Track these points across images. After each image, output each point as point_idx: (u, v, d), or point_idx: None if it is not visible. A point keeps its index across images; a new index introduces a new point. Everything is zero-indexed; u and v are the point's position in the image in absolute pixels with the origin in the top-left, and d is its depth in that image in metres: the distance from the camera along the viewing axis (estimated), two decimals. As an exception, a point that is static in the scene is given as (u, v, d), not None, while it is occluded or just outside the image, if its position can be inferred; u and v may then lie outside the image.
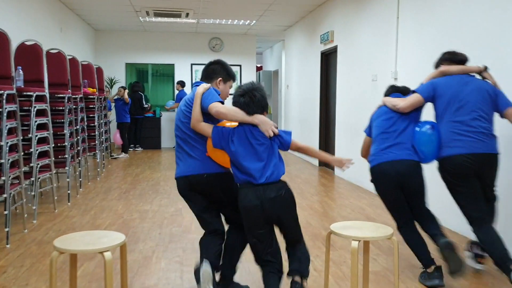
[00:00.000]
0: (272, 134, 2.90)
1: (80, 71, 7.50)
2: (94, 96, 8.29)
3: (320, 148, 9.84)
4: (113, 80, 13.40)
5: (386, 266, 3.97)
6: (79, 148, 7.14)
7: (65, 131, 6.27)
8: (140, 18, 11.40)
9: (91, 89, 8.39)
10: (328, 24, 9.22)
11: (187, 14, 10.91)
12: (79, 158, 7.19)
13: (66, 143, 6.27)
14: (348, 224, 3.16)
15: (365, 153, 4.04)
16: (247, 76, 14.35)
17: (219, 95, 3.11)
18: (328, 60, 9.59)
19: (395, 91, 3.98)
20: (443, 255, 3.43)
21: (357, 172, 7.68)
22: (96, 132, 8.29)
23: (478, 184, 3.54)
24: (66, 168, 6.31)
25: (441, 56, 3.85)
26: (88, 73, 8.55)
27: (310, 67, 10.57)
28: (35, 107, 5.32)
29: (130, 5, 10.01)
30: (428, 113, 3.86)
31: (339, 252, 4.32)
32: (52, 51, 6.66)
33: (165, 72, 14.28)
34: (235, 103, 3.00)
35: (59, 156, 6.31)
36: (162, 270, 3.86)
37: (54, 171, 5.93)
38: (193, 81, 13.94)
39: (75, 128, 6.80)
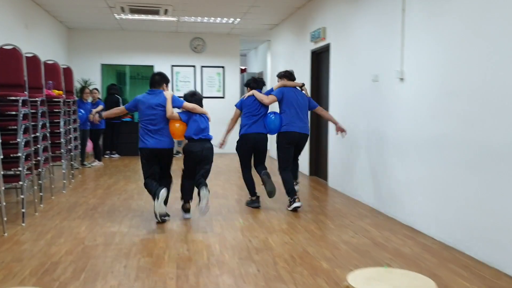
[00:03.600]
0: (210, 119, 5.66)
1: (42, 71, 6.58)
2: (59, 99, 7.37)
3: (311, 154, 9.05)
4: (88, 82, 12.45)
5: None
6: (39, 158, 6.23)
7: (18, 140, 5.35)
8: (115, 15, 10.49)
9: (57, 91, 7.48)
10: (320, 20, 8.42)
11: (166, 11, 10.04)
12: (39, 170, 6.28)
13: (20, 154, 5.35)
14: (371, 273, 2.32)
15: (234, 122, 6.44)
16: (231, 78, 13.53)
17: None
18: (319, 59, 8.79)
19: (255, 82, 6.44)
20: (262, 180, 6.08)
21: (353, 184, 6.90)
22: (62, 140, 7.36)
23: (293, 150, 6.23)
24: (20, 182, 5.40)
25: (282, 73, 6.46)
26: (54, 73, 7.61)
27: (298, 68, 9.73)
28: (-24, 112, 4.43)
29: (103, 0, 9.11)
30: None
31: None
32: (6, 47, 5.76)
33: (144, 74, 13.39)
34: (188, 100, 5.54)
35: (12, 169, 5.42)
36: (121, 324, 2.99)
37: (3, 187, 5.03)
38: (175, 84, 13.13)
39: (32, 135, 5.88)
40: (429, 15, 5.01)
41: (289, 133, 6.08)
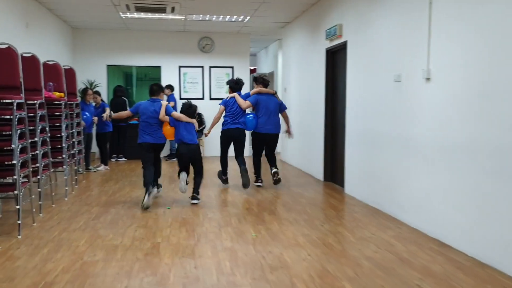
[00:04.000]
0: (198, 128, 6.92)
1: (41, 72, 6.20)
2: (61, 102, 7.00)
3: (325, 159, 8.61)
4: (93, 84, 12.09)
5: None
6: (38, 164, 5.85)
7: (13, 146, 4.97)
8: (121, 13, 10.11)
9: (58, 93, 7.11)
10: (336, 16, 7.98)
11: (173, 9, 9.65)
12: (38, 177, 5.90)
13: (15, 161, 4.97)
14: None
15: (217, 118, 7.78)
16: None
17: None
18: (335, 58, 8.36)
19: (237, 84, 7.92)
20: (241, 174, 7.47)
21: (373, 191, 6.45)
22: (63, 144, 6.98)
23: (263, 145, 7.89)
24: (15, 192, 5.01)
25: (258, 79, 7.97)
26: (55, 75, 7.26)
27: (312, 67, 9.34)
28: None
29: (107, -3, 8.75)
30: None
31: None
32: (0, 46, 5.39)
33: (152, 76, 13.02)
34: (182, 112, 6.76)
35: (8, 177, 5.04)
36: None
37: (-4, 198, 4.65)
38: (182, 85, 12.78)
39: (31, 140, 5.50)
40: (460, 6, 4.56)
41: (261, 134, 7.76)
